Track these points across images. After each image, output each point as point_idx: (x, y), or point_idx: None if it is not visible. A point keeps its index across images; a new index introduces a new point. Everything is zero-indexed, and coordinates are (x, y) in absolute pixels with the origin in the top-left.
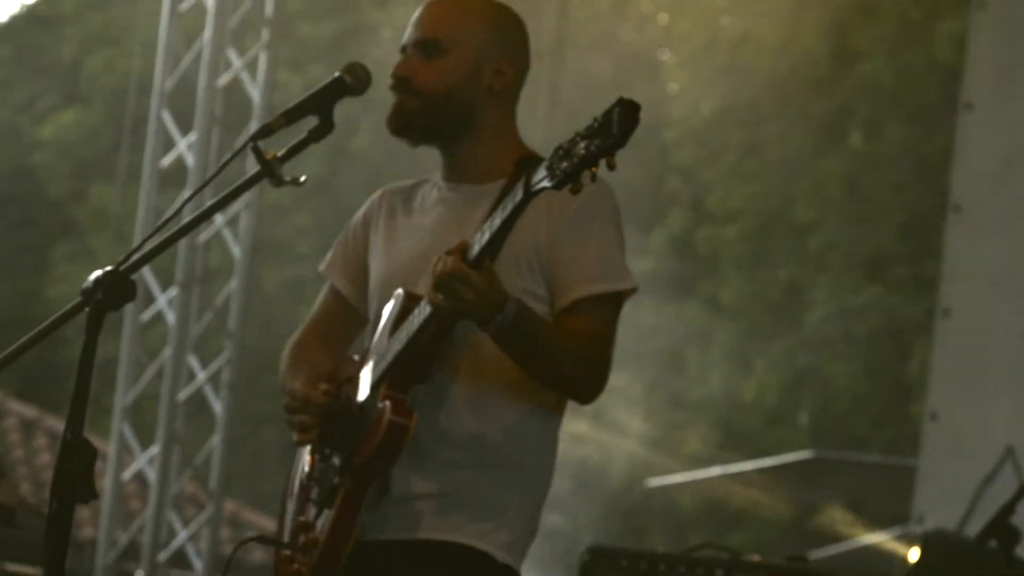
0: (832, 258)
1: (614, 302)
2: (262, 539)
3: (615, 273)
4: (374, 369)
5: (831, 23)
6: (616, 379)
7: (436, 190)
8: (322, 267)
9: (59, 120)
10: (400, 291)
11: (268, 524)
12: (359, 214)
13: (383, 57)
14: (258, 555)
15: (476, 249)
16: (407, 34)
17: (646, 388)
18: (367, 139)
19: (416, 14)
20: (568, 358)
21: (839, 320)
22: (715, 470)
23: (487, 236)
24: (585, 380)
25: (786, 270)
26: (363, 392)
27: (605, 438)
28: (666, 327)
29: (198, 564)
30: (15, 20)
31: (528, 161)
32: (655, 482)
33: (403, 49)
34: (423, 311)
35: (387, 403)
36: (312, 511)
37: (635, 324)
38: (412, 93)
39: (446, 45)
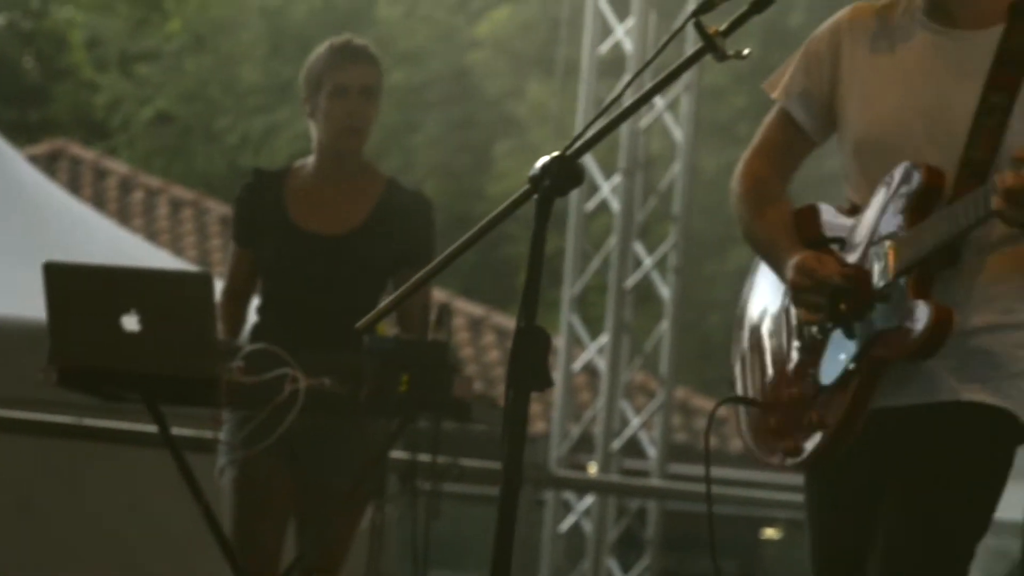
0: None
1: None
2: (742, 399)
3: None
4: (898, 257)
5: None
6: None
7: (918, 25)
8: (775, 93)
9: (494, 17)
10: (909, 166)
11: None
12: (822, 35)
13: None
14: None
15: None
16: None
17: None
18: (802, 16)
19: None
20: None
21: None
22: None
23: None
24: None
25: None
26: (879, 274)
27: None
28: None
29: (651, 452)
30: None
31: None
32: None
33: None
34: (970, 210)
35: (929, 307)
36: (808, 386)
37: None
38: None
39: None
